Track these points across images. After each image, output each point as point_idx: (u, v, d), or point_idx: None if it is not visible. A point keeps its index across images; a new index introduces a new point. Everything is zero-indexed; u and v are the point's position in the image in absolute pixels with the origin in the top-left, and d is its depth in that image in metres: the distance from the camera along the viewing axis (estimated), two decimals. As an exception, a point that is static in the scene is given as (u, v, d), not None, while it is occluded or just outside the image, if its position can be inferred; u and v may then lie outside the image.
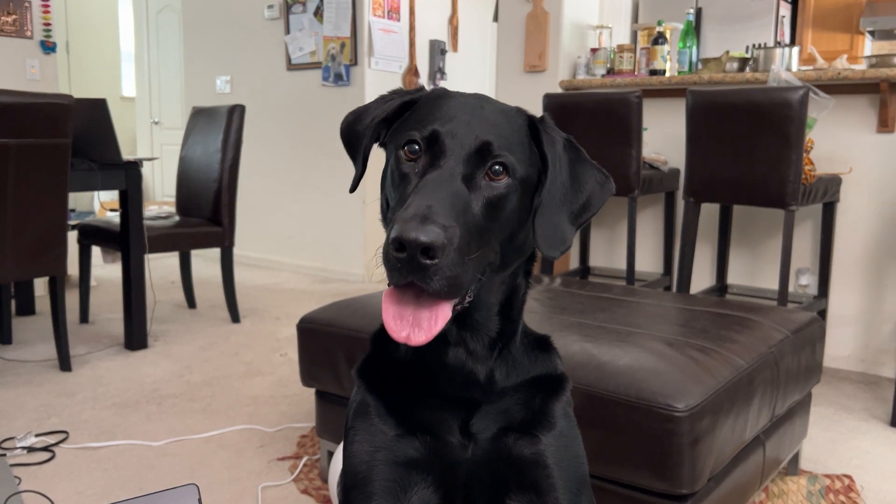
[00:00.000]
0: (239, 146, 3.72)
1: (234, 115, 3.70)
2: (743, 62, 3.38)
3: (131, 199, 3.21)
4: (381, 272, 0.80)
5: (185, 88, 5.96)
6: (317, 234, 5.12)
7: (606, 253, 3.85)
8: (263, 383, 2.88)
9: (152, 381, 2.89)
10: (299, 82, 5.09)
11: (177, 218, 3.78)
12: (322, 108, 4.98)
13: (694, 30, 3.63)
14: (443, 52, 5.45)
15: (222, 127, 3.70)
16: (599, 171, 0.97)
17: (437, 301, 0.81)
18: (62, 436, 2.36)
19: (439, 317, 0.82)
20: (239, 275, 4.39)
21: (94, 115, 3.09)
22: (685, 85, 3.34)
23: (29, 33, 4.32)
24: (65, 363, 2.97)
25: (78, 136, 2.97)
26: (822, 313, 3.20)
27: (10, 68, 4.26)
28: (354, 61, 4.78)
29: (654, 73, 3.59)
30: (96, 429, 2.42)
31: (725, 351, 1.64)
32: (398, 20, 5.00)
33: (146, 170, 6.59)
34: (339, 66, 4.82)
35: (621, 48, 3.75)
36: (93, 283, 4.16)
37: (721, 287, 3.44)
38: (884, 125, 3.04)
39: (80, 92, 6.39)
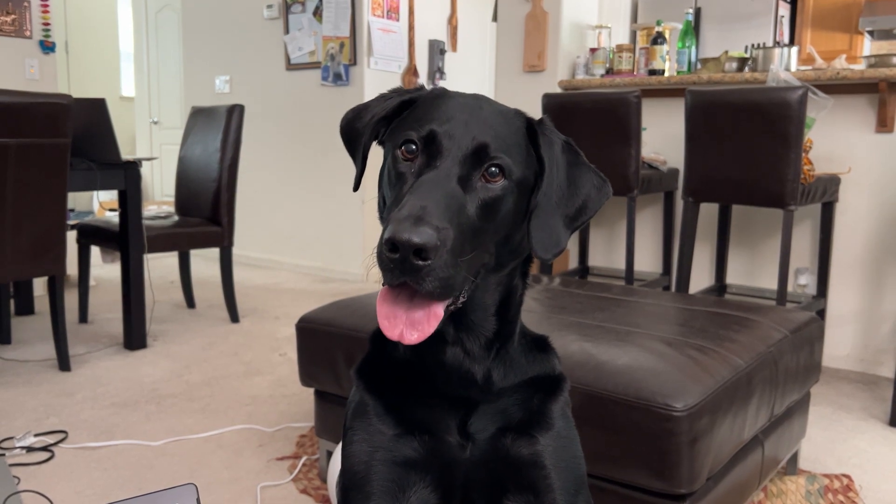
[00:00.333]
0: (238, 146, 3.72)
1: (234, 115, 3.70)
2: (742, 62, 3.38)
3: (130, 199, 3.21)
4: (377, 272, 0.80)
5: (185, 88, 5.96)
6: (316, 234, 5.13)
7: (605, 252, 3.85)
8: (262, 383, 2.88)
9: (151, 380, 2.89)
10: (298, 82, 5.09)
11: (176, 218, 3.78)
12: (321, 108, 4.98)
13: (693, 30, 3.63)
14: (442, 51, 5.45)
15: (221, 127, 3.70)
16: (597, 175, 0.97)
17: (430, 301, 0.82)
18: (61, 435, 2.36)
19: (432, 317, 0.82)
20: (238, 274, 4.39)
21: (94, 114, 3.09)
22: (684, 85, 3.34)
23: (28, 33, 4.32)
24: (64, 363, 2.97)
25: (77, 136, 2.97)
26: (821, 313, 3.20)
27: (10, 68, 4.26)
28: (354, 61, 4.78)
29: (653, 72, 3.59)
30: (95, 428, 2.42)
31: (724, 350, 1.64)
32: (397, 20, 5.00)
33: (145, 169, 6.58)
34: (339, 65, 4.82)
35: (620, 48, 3.76)
36: (92, 282, 4.16)
37: (720, 287, 3.44)
38: (882, 125, 3.04)
39: (79, 92, 6.38)
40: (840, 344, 3.23)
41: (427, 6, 5.28)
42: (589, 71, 3.84)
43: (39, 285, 4.05)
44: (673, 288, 3.44)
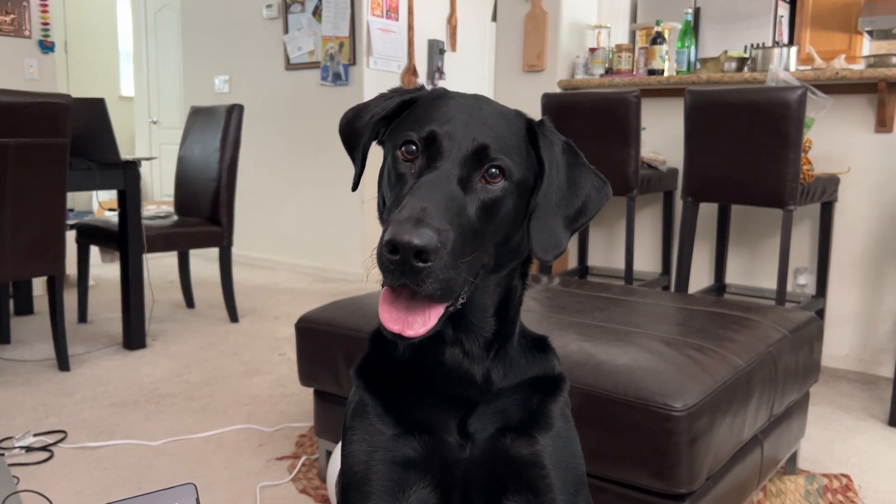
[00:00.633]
0: (237, 146, 3.72)
1: (233, 115, 3.70)
2: (741, 62, 3.38)
3: (130, 199, 3.21)
4: (377, 272, 0.80)
5: (184, 88, 5.96)
6: (315, 234, 5.12)
7: (605, 252, 3.85)
8: (262, 383, 2.88)
9: (151, 380, 2.89)
10: (298, 82, 5.09)
11: (175, 217, 3.78)
12: (320, 108, 4.98)
13: (692, 29, 3.63)
14: (441, 51, 5.45)
15: (221, 126, 3.70)
16: (597, 176, 0.97)
17: (430, 302, 0.82)
18: (60, 435, 2.36)
19: (432, 316, 0.82)
20: (237, 274, 4.39)
21: (93, 114, 3.09)
22: (683, 85, 3.34)
23: (27, 33, 4.32)
24: (63, 363, 2.97)
25: (76, 136, 2.96)
26: (820, 313, 3.21)
27: (9, 68, 4.26)
28: (353, 61, 4.78)
29: (652, 72, 3.59)
30: (95, 428, 2.42)
31: (724, 350, 1.64)
32: (397, 20, 5.00)
33: (145, 169, 6.55)
34: (338, 65, 4.82)
35: (620, 48, 3.76)
36: (91, 282, 4.16)
37: (719, 286, 3.44)
38: (882, 125, 3.04)
39: (78, 91, 6.38)
40: (839, 344, 3.24)
41: (426, 6, 5.28)
42: (588, 71, 3.84)
43: (38, 285, 4.05)
44: (672, 288, 3.44)
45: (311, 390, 2.50)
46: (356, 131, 0.99)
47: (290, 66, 5.10)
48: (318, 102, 4.99)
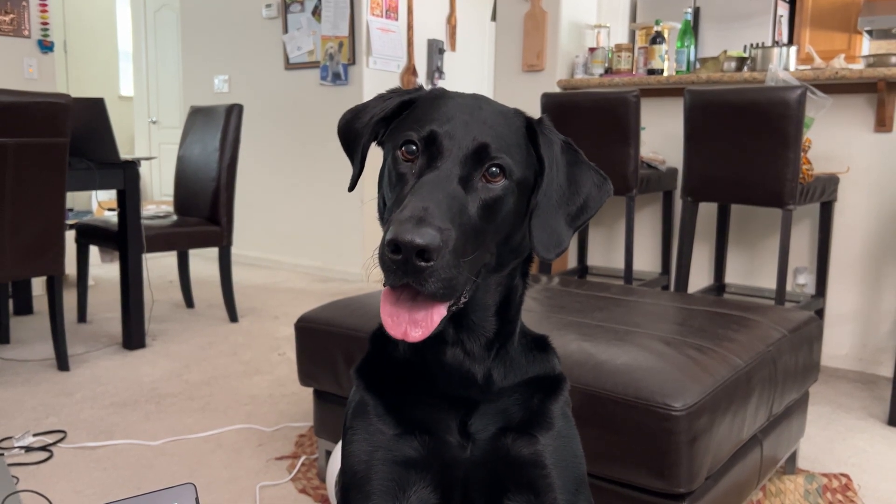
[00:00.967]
0: (237, 145, 3.72)
1: (232, 115, 3.70)
2: (741, 62, 3.38)
3: (129, 199, 3.21)
4: (377, 273, 0.80)
5: (183, 88, 5.96)
6: (315, 234, 5.12)
7: (604, 252, 3.85)
8: (262, 383, 2.88)
9: (150, 380, 2.89)
10: (297, 82, 5.09)
11: (175, 217, 3.77)
12: (320, 108, 4.98)
13: (692, 29, 3.63)
14: (441, 51, 5.45)
15: (220, 126, 3.70)
16: (597, 174, 0.97)
17: (433, 301, 0.82)
18: (60, 435, 2.35)
19: (434, 315, 0.82)
20: (237, 274, 4.39)
21: (92, 114, 3.09)
22: (683, 84, 3.34)
23: (27, 32, 4.32)
24: (63, 363, 2.97)
25: (76, 136, 2.96)
26: (820, 312, 3.21)
27: (8, 68, 4.26)
28: (352, 60, 4.78)
29: (651, 72, 3.59)
30: (94, 428, 2.42)
31: (723, 350, 1.64)
32: (396, 19, 4.99)
33: (144, 169, 6.54)
34: (338, 65, 4.82)
35: (619, 47, 3.76)
36: (91, 282, 4.16)
37: (719, 286, 3.45)
38: (881, 124, 3.05)
39: (77, 91, 6.38)
40: (839, 343, 3.24)
41: (426, 6, 5.28)
42: (588, 70, 3.84)
43: (38, 285, 4.04)
44: (672, 287, 3.44)
45: (310, 390, 2.50)
46: (355, 132, 0.99)
47: (290, 65, 5.10)
48: (318, 102, 4.99)
